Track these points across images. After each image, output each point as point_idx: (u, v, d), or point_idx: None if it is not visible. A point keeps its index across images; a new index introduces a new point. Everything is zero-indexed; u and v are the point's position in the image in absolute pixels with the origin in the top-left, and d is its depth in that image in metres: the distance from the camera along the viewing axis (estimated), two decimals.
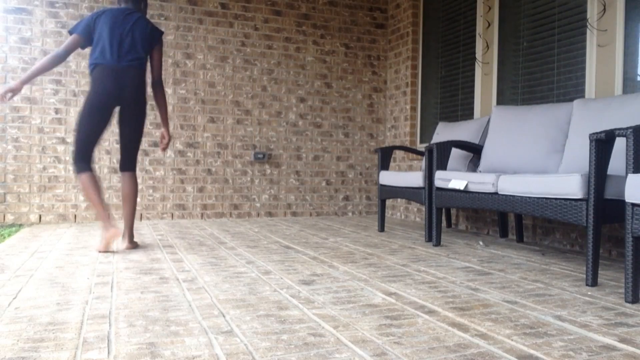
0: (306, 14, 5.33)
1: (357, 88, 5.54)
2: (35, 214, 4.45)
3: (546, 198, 2.50)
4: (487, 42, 4.23)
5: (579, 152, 2.86)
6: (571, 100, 3.45)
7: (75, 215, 4.56)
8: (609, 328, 1.68)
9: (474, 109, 4.39)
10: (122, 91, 3.01)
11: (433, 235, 3.39)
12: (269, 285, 2.22)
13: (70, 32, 3.08)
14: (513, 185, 2.70)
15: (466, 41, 4.54)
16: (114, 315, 1.74)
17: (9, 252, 3.00)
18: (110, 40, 3.02)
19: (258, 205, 5.16)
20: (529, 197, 2.61)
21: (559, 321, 1.74)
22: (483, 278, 2.43)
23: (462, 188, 3.08)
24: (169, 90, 4.84)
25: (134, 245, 3.15)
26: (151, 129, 4.80)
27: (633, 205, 1.97)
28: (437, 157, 3.43)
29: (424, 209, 5.01)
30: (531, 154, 3.16)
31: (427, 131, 5.13)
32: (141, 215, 4.76)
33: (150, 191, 4.78)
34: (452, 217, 4.54)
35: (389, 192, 4.03)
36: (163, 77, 4.81)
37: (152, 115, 4.81)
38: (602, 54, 3.22)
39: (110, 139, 4.66)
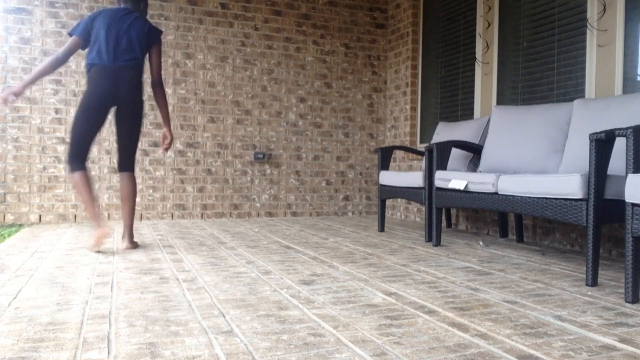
0: (306, 14, 5.33)
1: (357, 88, 5.54)
2: (35, 214, 4.45)
3: (546, 198, 2.50)
4: (487, 42, 4.23)
5: (579, 152, 2.86)
6: (571, 100, 3.45)
7: (75, 215, 4.56)
8: (609, 328, 1.68)
9: (474, 109, 4.39)
10: (118, 91, 3.01)
11: (433, 235, 3.39)
12: (269, 285, 2.22)
13: (70, 34, 3.09)
14: (513, 185, 2.70)
15: (466, 41, 4.54)
16: (114, 315, 1.74)
17: (9, 252, 3.00)
18: (106, 40, 3.02)
19: (258, 205, 5.16)
20: (529, 197, 2.61)
21: (559, 321, 1.74)
22: (483, 278, 2.43)
23: (462, 188, 3.08)
24: (169, 90, 4.84)
25: (134, 245, 3.15)
26: (151, 129, 4.80)
27: (633, 205, 1.97)
28: (437, 157, 3.43)
29: (424, 209, 5.01)
30: (531, 154, 3.16)
31: (427, 131, 5.13)
32: (141, 215, 4.76)
33: (150, 191, 4.78)
34: (452, 217, 4.54)
35: (389, 192, 4.03)
36: (163, 77, 4.81)
37: (152, 115, 4.81)
38: (602, 54, 3.22)
39: (111, 139, 4.66)
